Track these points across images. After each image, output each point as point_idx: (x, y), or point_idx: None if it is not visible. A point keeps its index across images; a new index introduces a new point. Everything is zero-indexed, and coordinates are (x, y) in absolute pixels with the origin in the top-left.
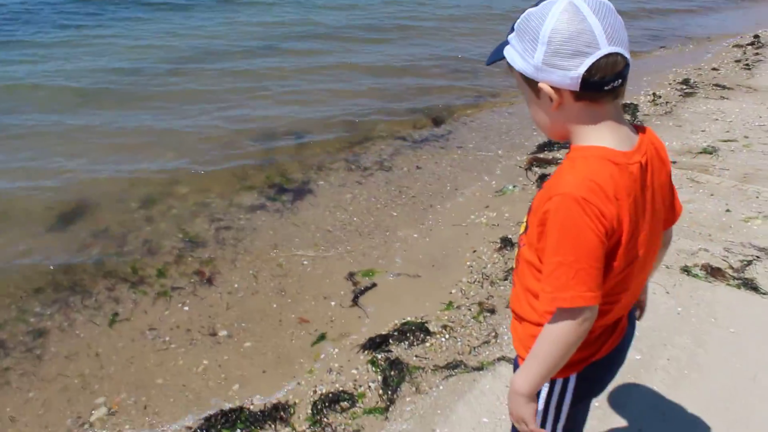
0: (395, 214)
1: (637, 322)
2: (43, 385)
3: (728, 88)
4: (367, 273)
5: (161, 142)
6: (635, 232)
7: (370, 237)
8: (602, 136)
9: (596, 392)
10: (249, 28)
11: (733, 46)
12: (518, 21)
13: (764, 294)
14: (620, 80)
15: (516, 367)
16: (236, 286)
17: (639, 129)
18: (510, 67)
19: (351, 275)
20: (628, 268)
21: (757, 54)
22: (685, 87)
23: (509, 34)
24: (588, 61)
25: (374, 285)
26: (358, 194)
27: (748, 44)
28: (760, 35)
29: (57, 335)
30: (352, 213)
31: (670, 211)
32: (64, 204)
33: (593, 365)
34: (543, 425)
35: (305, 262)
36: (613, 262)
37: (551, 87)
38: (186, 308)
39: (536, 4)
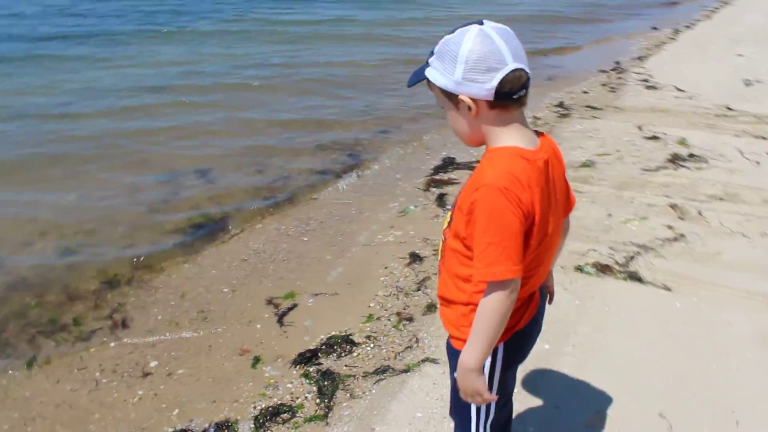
0: (306, 239)
1: (543, 317)
2: None
3: (598, 109)
4: (288, 296)
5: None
6: (544, 215)
7: (285, 262)
8: (513, 138)
9: (520, 359)
10: (130, 79)
11: (599, 71)
12: (438, 46)
13: (647, 283)
14: (524, 90)
15: (449, 348)
16: (159, 318)
17: (539, 133)
18: (431, 85)
19: (272, 299)
20: (540, 246)
21: (619, 78)
22: (560, 109)
23: (429, 57)
24: (499, 75)
25: (295, 305)
26: (267, 224)
27: (611, 69)
28: (620, 62)
29: None
30: (265, 242)
31: (567, 201)
32: None
33: (517, 334)
34: None
35: (225, 290)
36: (530, 240)
37: (470, 98)
38: (112, 344)
39: (452, 32)
